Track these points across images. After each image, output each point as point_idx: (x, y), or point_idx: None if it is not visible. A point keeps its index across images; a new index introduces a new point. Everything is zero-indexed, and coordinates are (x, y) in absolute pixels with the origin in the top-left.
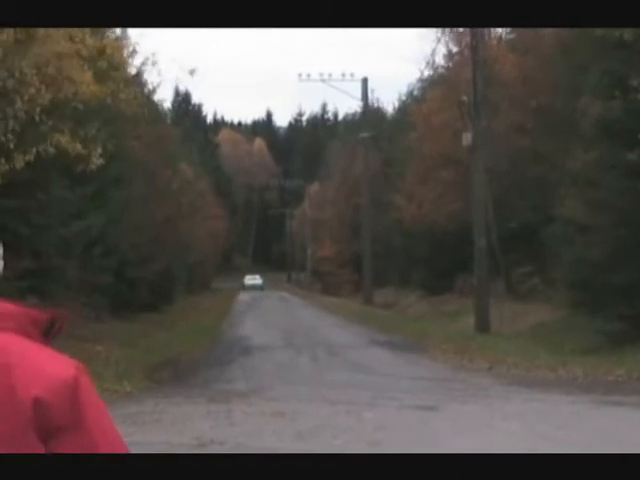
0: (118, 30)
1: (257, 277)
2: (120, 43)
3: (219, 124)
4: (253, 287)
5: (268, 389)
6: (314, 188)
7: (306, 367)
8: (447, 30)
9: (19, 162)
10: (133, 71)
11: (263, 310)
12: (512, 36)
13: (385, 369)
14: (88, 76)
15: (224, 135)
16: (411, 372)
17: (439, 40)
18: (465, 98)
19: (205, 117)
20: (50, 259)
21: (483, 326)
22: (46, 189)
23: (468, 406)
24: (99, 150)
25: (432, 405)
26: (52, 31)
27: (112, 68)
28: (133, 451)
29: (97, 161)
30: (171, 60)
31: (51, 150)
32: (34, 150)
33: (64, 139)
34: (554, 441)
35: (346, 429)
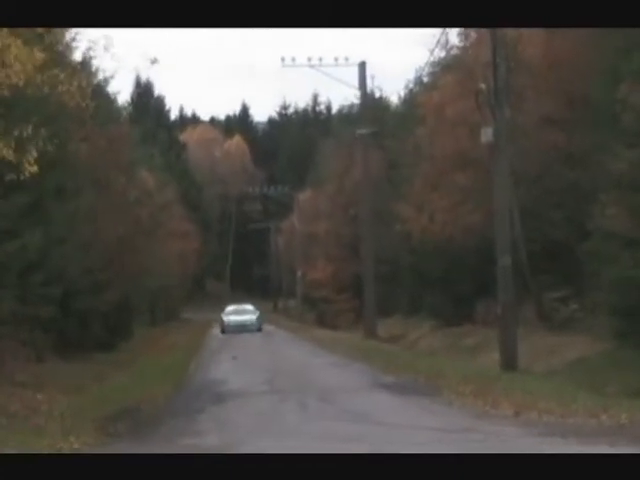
0: None
1: (247, 308)
2: None
3: (186, 121)
4: (241, 327)
5: (244, 444)
6: (304, 196)
7: (292, 417)
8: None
9: None
10: (78, 56)
11: (242, 346)
12: None
13: (389, 418)
14: (19, 49)
15: (192, 134)
16: (421, 421)
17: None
18: (483, 85)
19: (169, 113)
20: None
21: (509, 363)
22: None
23: None
24: (34, 154)
25: None
26: None
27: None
28: None
29: (31, 168)
30: (127, 45)
31: None
32: None
33: None
34: None
35: None
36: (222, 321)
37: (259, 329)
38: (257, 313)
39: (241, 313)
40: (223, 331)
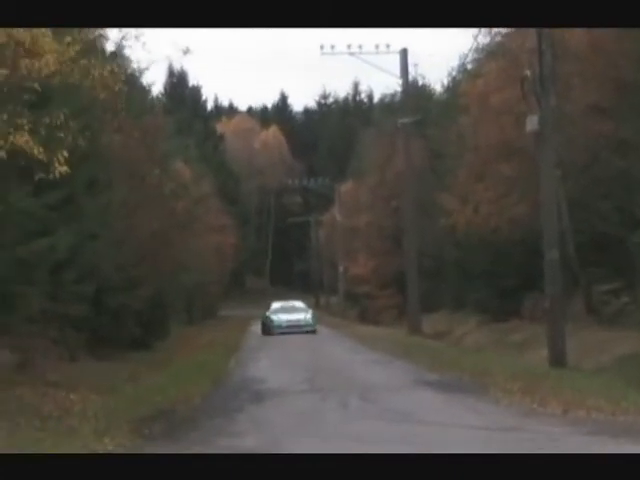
0: None
1: (297, 305)
2: None
3: (222, 111)
4: (294, 327)
5: (282, 445)
6: (345, 188)
7: (333, 416)
8: None
9: None
10: (111, 47)
11: (282, 344)
12: None
13: (433, 417)
14: (49, 41)
15: (229, 124)
16: (466, 420)
17: None
18: (529, 73)
19: (205, 103)
20: (7, 286)
21: (558, 359)
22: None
23: None
24: (65, 153)
25: None
26: None
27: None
28: None
29: (61, 168)
30: (158, 34)
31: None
32: None
33: (22, 139)
34: None
35: None
36: (268, 320)
37: (313, 330)
38: (310, 311)
39: (290, 311)
40: (268, 331)
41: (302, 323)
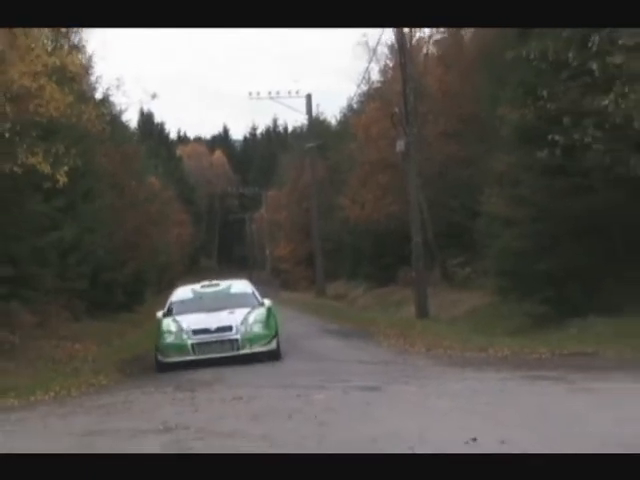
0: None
1: (236, 289)
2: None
3: (181, 139)
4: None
5: (228, 377)
6: (270, 194)
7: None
8: (378, 50)
9: None
10: (99, 95)
11: None
12: (437, 52)
13: (335, 355)
14: (53, 89)
15: (186, 149)
16: (358, 356)
17: (371, 59)
18: (397, 110)
19: (168, 134)
20: (28, 267)
21: (422, 313)
22: (19, 204)
23: (407, 386)
24: (65, 168)
25: (375, 386)
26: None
27: (73, 84)
28: (103, 437)
29: (62, 179)
30: (135, 81)
31: (17, 170)
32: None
33: (36, 160)
34: (483, 415)
35: (297, 411)
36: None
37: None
38: (261, 304)
39: (217, 305)
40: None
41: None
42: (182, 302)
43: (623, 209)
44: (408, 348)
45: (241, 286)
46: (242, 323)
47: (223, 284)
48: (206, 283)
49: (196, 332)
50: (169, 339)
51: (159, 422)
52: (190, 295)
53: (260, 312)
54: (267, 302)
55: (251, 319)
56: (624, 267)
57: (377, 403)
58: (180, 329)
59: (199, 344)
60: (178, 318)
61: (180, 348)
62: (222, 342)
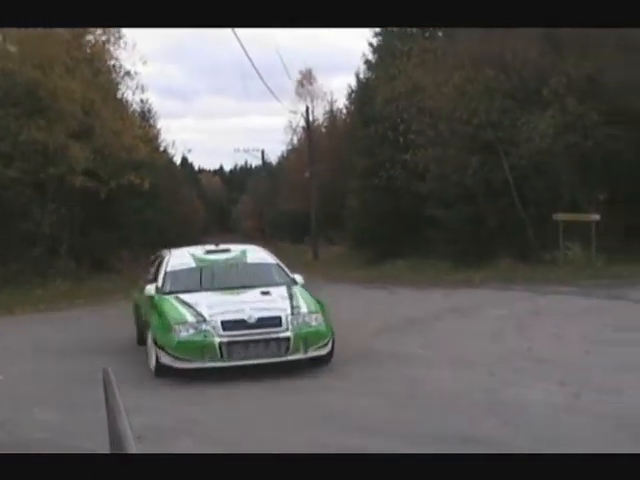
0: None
1: (254, 257)
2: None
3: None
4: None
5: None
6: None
7: None
8: (296, 129)
9: (112, 185)
10: (162, 147)
11: None
12: (324, 129)
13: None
14: (142, 147)
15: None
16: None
17: (294, 132)
18: (307, 156)
19: (192, 164)
20: (131, 233)
21: (315, 257)
22: (125, 202)
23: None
24: (148, 181)
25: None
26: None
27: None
28: None
29: (146, 185)
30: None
31: (123, 182)
32: (117, 182)
33: (133, 177)
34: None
35: None
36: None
37: (327, 354)
38: (294, 281)
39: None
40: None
41: (289, 333)
42: (182, 273)
43: (416, 207)
44: (309, 276)
45: (259, 254)
46: (293, 313)
47: (235, 249)
48: (212, 248)
49: (227, 325)
50: (184, 333)
51: None
52: (192, 263)
53: (306, 295)
54: (299, 278)
55: (303, 307)
56: (412, 236)
57: None
58: (199, 319)
59: (232, 344)
60: (188, 299)
61: (203, 348)
62: (267, 342)
